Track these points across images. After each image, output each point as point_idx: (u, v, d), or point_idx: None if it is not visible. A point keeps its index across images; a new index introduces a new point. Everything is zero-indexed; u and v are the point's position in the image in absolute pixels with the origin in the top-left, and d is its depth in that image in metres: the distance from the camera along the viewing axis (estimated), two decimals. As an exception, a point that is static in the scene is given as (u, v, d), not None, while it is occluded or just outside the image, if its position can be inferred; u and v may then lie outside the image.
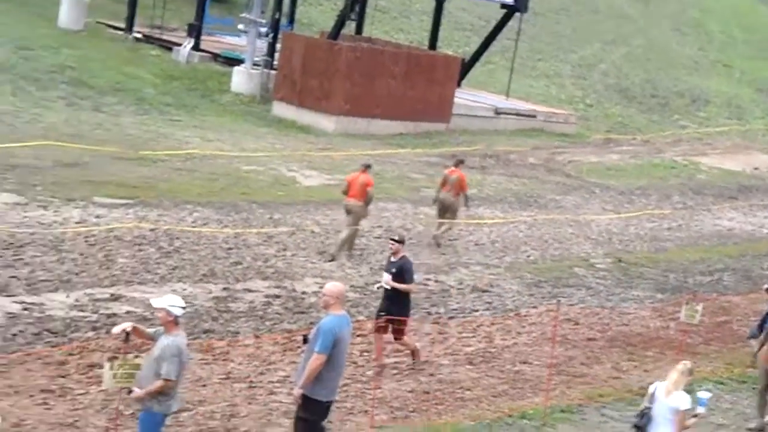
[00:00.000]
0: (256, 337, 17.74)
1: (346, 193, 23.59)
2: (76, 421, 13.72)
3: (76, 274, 19.34)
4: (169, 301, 11.94)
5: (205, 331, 17.70)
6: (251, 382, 15.93)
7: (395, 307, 16.97)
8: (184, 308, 12.04)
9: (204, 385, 15.47)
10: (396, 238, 17.40)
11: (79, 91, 36.08)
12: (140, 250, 21.26)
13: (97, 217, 23.05)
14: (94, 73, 38.44)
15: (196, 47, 43.63)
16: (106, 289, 18.88)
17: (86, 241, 21.17)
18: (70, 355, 15.59)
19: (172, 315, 11.83)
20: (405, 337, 17.31)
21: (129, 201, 24.63)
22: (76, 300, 18.13)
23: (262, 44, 41.92)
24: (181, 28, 46.15)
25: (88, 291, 18.62)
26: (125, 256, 20.74)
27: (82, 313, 17.62)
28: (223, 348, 16.72)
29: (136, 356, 11.99)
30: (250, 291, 20.13)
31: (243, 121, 37.53)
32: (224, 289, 19.94)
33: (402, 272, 16.98)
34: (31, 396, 14.23)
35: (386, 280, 17.04)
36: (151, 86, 38.89)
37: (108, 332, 16.41)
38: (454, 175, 25.65)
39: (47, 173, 25.55)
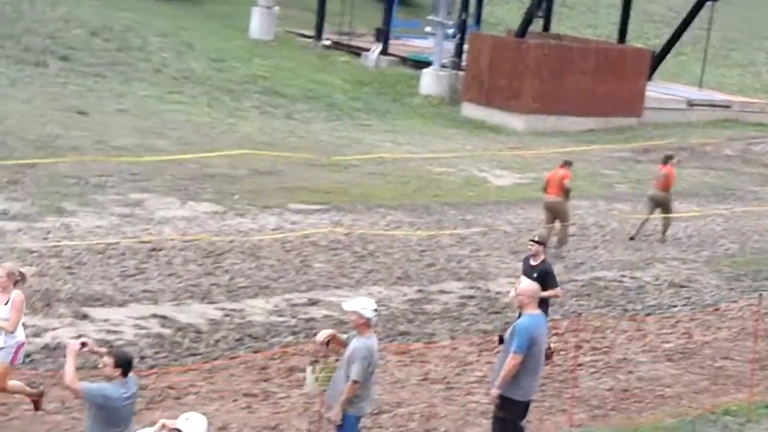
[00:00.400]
0: (452, 338, 17.75)
1: (545, 190, 23.48)
2: (279, 424, 13.97)
3: (274, 279, 19.71)
4: (360, 303, 12.06)
5: (401, 333, 17.80)
6: (448, 383, 15.94)
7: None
8: (375, 310, 12.13)
9: (402, 387, 15.56)
10: (536, 239, 16.36)
11: (271, 100, 36.84)
12: (335, 255, 21.53)
13: (293, 223, 23.46)
14: (285, 81, 39.19)
15: (384, 52, 44.02)
16: (304, 293, 19.18)
17: (283, 247, 21.57)
18: (272, 359, 15.89)
19: (364, 317, 11.94)
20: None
21: (323, 206, 25.00)
22: (275, 305, 18.48)
23: (450, 45, 42.00)
24: (369, 33, 46.64)
25: (287, 296, 18.95)
26: (321, 261, 21.05)
27: (281, 318, 17.95)
28: (419, 350, 16.78)
29: (337, 360, 12.13)
30: (444, 292, 20.16)
31: (433, 123, 37.67)
32: (419, 291, 20.02)
33: (544, 277, 15.73)
34: (235, 400, 14.55)
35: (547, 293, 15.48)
36: (342, 92, 39.42)
37: (307, 336, 16.68)
38: (663, 170, 25.23)
39: (243, 182, 26.14)
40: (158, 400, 14.09)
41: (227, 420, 13.86)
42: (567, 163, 23.55)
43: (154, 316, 17.39)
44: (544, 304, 15.22)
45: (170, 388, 14.50)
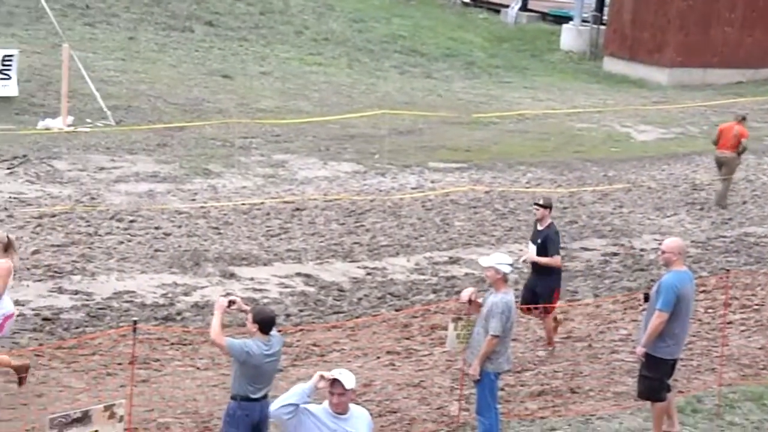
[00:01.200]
0: (596, 296, 17.61)
1: (716, 143, 23.12)
2: (422, 381, 14.08)
3: (415, 238, 19.80)
4: (496, 259, 12.13)
5: (544, 291, 17.71)
6: (592, 341, 15.84)
7: (541, 283, 15.12)
8: (511, 266, 12.16)
9: (544, 345, 15.50)
10: (541, 202, 15.32)
11: (410, 59, 36.84)
12: (476, 213, 21.52)
13: (433, 182, 23.50)
14: (424, 40, 39.14)
15: (524, 7, 43.62)
16: (445, 252, 19.23)
17: (423, 206, 21.64)
18: (414, 317, 16.00)
19: (501, 273, 12.00)
20: (548, 318, 15.15)
21: (463, 165, 24.97)
22: (417, 264, 18.57)
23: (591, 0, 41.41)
24: (508, -11, 46.23)
25: (427, 254, 19.03)
26: (461, 219, 21.06)
27: (422, 277, 18.04)
28: (562, 308, 16.70)
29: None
30: (586, 250, 19.99)
31: (573, 79, 37.24)
32: (561, 248, 19.87)
33: (546, 243, 14.97)
34: (378, 358, 14.70)
35: (530, 255, 15.17)
36: (480, 50, 39.21)
37: (448, 294, 16.74)
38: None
39: (384, 141, 26.26)
40: (303, 358, 14.33)
41: (370, 377, 14.02)
42: (742, 119, 23.17)
43: (298, 274, 17.65)
44: (554, 273, 15.07)
45: (314, 345, 14.72)
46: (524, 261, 15.64)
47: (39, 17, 31.89)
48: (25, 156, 22.13)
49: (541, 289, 15.05)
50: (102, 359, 13.89)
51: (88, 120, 25.68)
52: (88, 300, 16.01)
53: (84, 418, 9.62)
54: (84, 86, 26.10)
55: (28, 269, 16.80)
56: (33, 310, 15.48)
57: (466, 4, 45.29)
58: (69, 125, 24.95)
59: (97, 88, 26.31)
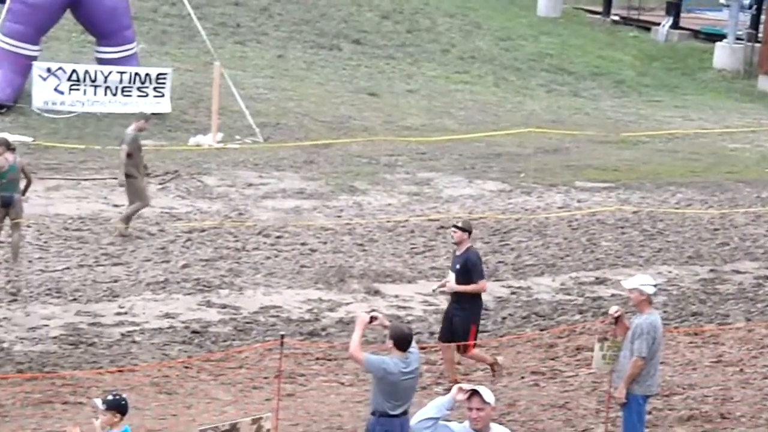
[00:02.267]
0: (748, 320, 17.17)
1: None
2: (567, 402, 13.89)
3: (561, 258, 19.60)
4: (640, 280, 11.98)
5: (693, 314, 17.36)
6: (744, 366, 15.43)
7: (459, 314, 13.94)
8: (655, 287, 11.98)
9: (694, 369, 15.17)
10: (459, 224, 14.12)
11: (558, 78, 36.57)
12: (623, 233, 21.20)
13: (579, 201, 23.24)
14: (572, 58, 38.83)
15: (675, 25, 42.94)
16: (591, 272, 18.98)
17: (569, 225, 21.41)
18: (559, 337, 15.81)
19: (645, 294, 11.84)
20: (475, 350, 14.07)
21: (610, 184, 24.64)
22: (562, 284, 18.37)
23: (745, 17, 40.54)
24: (659, 7, 45.56)
25: (573, 274, 18.80)
26: (608, 240, 20.76)
27: (568, 297, 17.83)
28: (712, 331, 16.33)
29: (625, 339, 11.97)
30: (738, 272, 19.51)
31: (726, 98, 36.48)
32: (711, 270, 19.45)
33: (467, 268, 13.85)
34: (522, 378, 14.57)
35: (450, 284, 13.98)
36: (630, 68, 38.71)
37: (594, 315, 16.51)
38: None
39: (529, 160, 26.08)
40: (446, 376, 14.26)
41: (514, 397, 13.90)
42: None
43: (442, 293, 17.57)
44: (472, 301, 13.96)
45: (458, 363, 14.63)
46: (437, 291, 14.90)
47: (191, 36, 32.59)
48: (176, 171, 22.61)
49: (458, 322, 13.88)
50: (248, 373, 14.06)
51: (237, 137, 26.11)
52: (235, 314, 16.24)
53: (232, 431, 9.73)
54: (234, 103, 26.56)
55: (177, 283, 17.12)
56: (183, 322, 15.76)
57: (615, 22, 44.79)
58: (219, 142, 25.41)
59: (247, 105, 26.75)
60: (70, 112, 26.05)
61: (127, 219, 19.07)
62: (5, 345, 14.61)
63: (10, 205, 17.40)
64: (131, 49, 27.58)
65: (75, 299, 16.37)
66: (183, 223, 19.78)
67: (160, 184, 22.06)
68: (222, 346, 15.03)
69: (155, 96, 26.61)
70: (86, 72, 26.17)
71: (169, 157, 23.73)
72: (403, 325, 11.34)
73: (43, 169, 22.12)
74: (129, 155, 18.86)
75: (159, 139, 25.21)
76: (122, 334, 15.30)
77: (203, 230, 19.62)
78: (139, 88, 26.43)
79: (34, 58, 26.27)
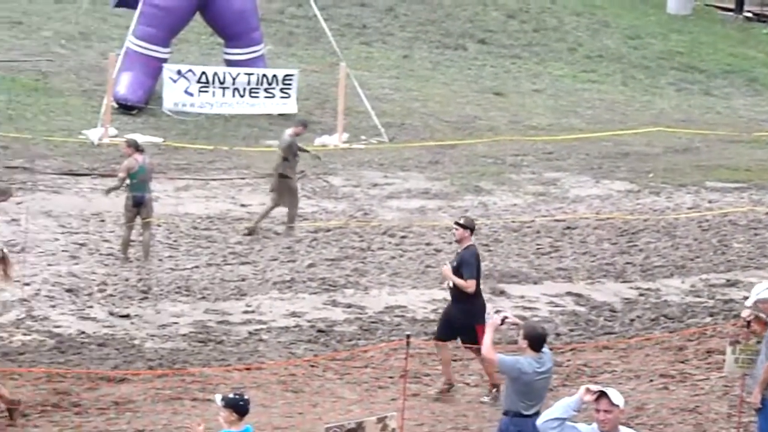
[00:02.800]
0: None
1: None
2: (697, 406, 13.63)
3: (691, 259, 19.24)
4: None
5: (829, 318, 16.87)
6: None
7: (460, 316, 13.47)
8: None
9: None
10: (461, 221, 13.80)
11: (688, 76, 35.93)
12: (756, 234, 20.73)
13: (710, 201, 22.79)
14: (703, 56, 38.11)
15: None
16: (722, 274, 18.60)
17: (699, 227, 21.01)
18: (689, 340, 15.52)
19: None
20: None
21: (742, 185, 24.13)
22: (692, 285, 18.04)
23: None
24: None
25: (704, 276, 18.45)
26: (740, 241, 20.33)
27: (698, 299, 17.50)
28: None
29: (758, 341, 11.67)
30: None
31: None
32: None
33: (461, 266, 13.38)
34: (651, 381, 14.34)
35: (445, 269, 13.70)
36: (763, 66, 37.82)
37: (726, 318, 16.20)
38: None
39: (658, 159, 25.67)
40: (573, 377, 14.11)
41: (643, 400, 13.68)
42: None
43: (569, 293, 17.44)
44: (470, 300, 13.42)
45: (585, 365, 14.49)
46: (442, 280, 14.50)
47: (318, 37, 32.81)
48: (302, 172, 22.78)
49: (460, 324, 13.38)
50: (374, 372, 14.10)
51: (363, 137, 26.22)
52: (360, 313, 16.30)
53: (358, 429, 9.75)
54: (359, 104, 26.67)
55: (303, 282, 17.26)
56: (309, 321, 15.88)
57: (748, 19, 43.84)
58: (344, 142, 25.55)
59: (372, 106, 26.84)
60: (199, 114, 26.43)
61: (291, 219, 19.30)
62: (137, 342, 14.89)
63: (141, 204, 17.73)
64: (259, 50, 27.89)
65: (204, 297, 16.61)
66: (309, 222, 19.92)
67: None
68: (347, 345, 15.10)
69: (282, 97, 26.87)
70: (215, 74, 26.53)
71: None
72: (537, 325, 11.21)
73: (172, 170, 22.51)
74: (285, 159, 19.19)
75: (286, 139, 25.42)
76: (249, 333, 15.46)
77: (329, 230, 19.73)
78: (266, 90, 26.71)
79: (165, 61, 26.71)
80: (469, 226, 13.59)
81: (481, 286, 13.79)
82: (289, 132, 19.76)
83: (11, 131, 23.77)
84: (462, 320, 13.37)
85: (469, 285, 13.31)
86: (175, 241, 18.87)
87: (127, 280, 17.04)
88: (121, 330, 15.25)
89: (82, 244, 18.32)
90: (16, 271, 13.59)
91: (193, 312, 16.07)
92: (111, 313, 15.81)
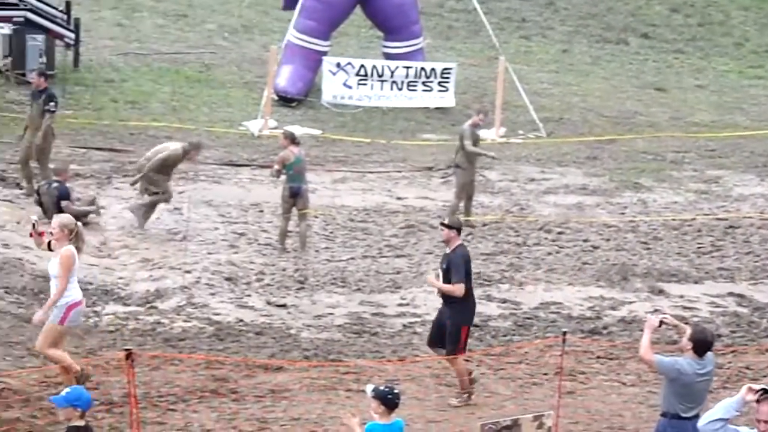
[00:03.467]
0: None
1: None
2: None
3: None
4: None
5: None
6: None
7: (450, 316, 13.00)
8: None
9: None
10: (445, 221, 13.40)
11: None
12: None
13: None
14: None
15: None
16: None
17: None
18: None
19: None
20: (457, 361, 13.00)
21: None
22: None
23: None
24: None
25: None
26: None
27: None
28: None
29: None
30: None
31: None
32: None
33: (449, 268, 12.93)
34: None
35: (429, 277, 13.60)
36: None
37: None
38: None
39: None
40: (734, 380, 13.74)
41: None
42: None
43: (731, 294, 17.02)
44: (460, 304, 12.92)
45: (747, 368, 14.12)
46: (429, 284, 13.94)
47: (477, 31, 32.72)
48: (458, 166, 22.68)
49: (450, 324, 12.97)
50: (528, 368, 13.97)
51: (520, 131, 26.03)
52: (515, 309, 16.18)
53: (513, 427, 9.68)
54: (517, 98, 26.48)
55: (459, 276, 17.20)
56: (463, 316, 15.81)
57: None
58: (501, 136, 25.40)
59: (530, 100, 26.62)
60: (357, 107, 26.59)
61: (453, 210, 19.36)
62: (293, 331, 15.04)
63: (297, 195, 17.91)
64: (418, 44, 27.92)
65: (359, 289, 16.69)
66: (464, 216, 19.83)
67: (443, 177, 22.24)
68: (502, 341, 15.00)
69: (440, 90, 26.84)
70: (374, 67, 26.65)
71: (453, 151, 23.85)
72: (707, 331, 10.72)
73: (330, 162, 22.69)
74: (463, 148, 19.20)
75: (442, 133, 25.41)
76: (404, 325, 15.49)
77: (484, 224, 19.64)
78: (424, 83, 26.71)
79: (325, 54, 26.94)
80: (456, 226, 13.19)
81: (474, 288, 13.37)
82: (468, 122, 19.75)
83: (175, 122, 24.29)
84: (451, 322, 12.93)
85: (456, 289, 12.84)
86: (331, 232, 19.01)
87: (284, 270, 17.23)
88: (278, 319, 15.43)
89: (241, 234, 18.59)
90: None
91: (348, 303, 16.17)
92: (268, 302, 16.01)
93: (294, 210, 18.01)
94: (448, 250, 13.10)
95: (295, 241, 18.17)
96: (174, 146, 18.60)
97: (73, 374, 11.96)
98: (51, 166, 18.79)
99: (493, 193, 21.57)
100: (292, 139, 18.13)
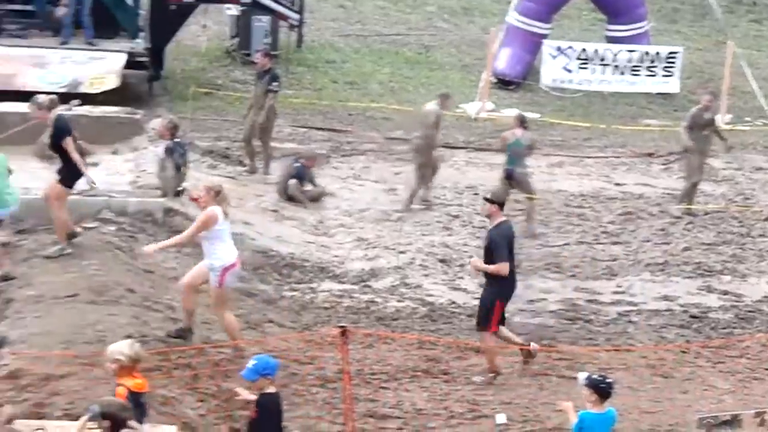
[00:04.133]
0: None
1: None
2: None
3: None
4: None
5: None
6: None
7: (485, 289, 12.87)
8: None
9: None
10: (488, 196, 12.92)
11: None
12: None
13: None
14: None
15: None
16: None
17: None
18: None
19: None
20: (486, 336, 12.74)
21: None
22: None
23: None
24: None
25: None
26: None
27: None
28: None
29: None
30: None
31: None
32: None
33: (490, 247, 12.66)
34: None
35: (474, 260, 13.23)
36: None
37: None
38: None
39: None
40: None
41: None
42: None
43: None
44: (495, 281, 12.67)
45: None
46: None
47: (704, 14, 31.81)
48: (685, 152, 22.13)
49: (483, 297, 12.89)
50: (749, 363, 13.53)
51: (747, 118, 25.17)
52: (737, 301, 15.68)
53: (733, 422, 9.35)
54: (745, 84, 25.62)
55: (677, 265, 16.78)
56: (681, 306, 15.44)
57: None
58: (727, 123, 24.60)
59: (760, 86, 25.71)
60: (577, 91, 26.21)
61: (686, 196, 18.96)
62: (505, 315, 14.90)
63: (511, 177, 17.80)
64: (642, 27, 27.30)
65: (573, 275, 16.46)
66: (684, 205, 19.30)
67: (664, 164, 21.71)
68: (722, 333, 14.55)
69: (664, 75, 26.17)
70: (595, 50, 26.19)
71: (674, 137, 23.26)
72: None
73: (547, 146, 22.40)
74: (690, 129, 18.89)
75: (664, 119, 24.80)
76: (619, 314, 15.19)
77: (706, 213, 19.07)
78: (647, 68, 26.09)
79: (545, 36, 26.64)
80: (498, 201, 12.89)
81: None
82: (698, 105, 19.27)
83: (393, 103, 24.42)
84: (486, 293, 12.87)
85: (500, 269, 12.62)
86: (546, 217, 18.78)
87: (497, 253, 17.10)
88: (490, 302, 15.33)
89: (455, 216, 18.56)
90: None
91: (562, 289, 15.97)
92: (481, 286, 15.88)
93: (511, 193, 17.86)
94: (490, 226, 12.95)
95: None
96: (428, 107, 18.96)
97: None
98: (298, 150, 19.21)
99: (717, 181, 20.92)
100: (521, 122, 18.11)
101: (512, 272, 12.85)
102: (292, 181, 18.38)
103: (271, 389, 9.25)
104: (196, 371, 11.61)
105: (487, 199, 12.96)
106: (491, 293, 12.79)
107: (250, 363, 9.26)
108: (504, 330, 12.93)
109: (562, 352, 13.51)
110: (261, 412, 9.23)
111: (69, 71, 21.25)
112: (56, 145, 13.90)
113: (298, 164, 18.68)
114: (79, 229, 14.22)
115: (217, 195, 12.17)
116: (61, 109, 14.54)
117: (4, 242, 14.12)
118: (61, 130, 13.93)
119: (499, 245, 12.64)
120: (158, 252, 12.89)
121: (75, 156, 13.84)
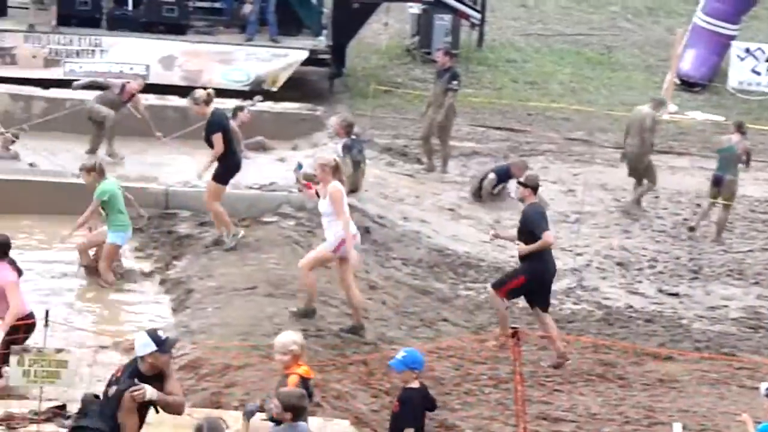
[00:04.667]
0: None
1: None
2: None
3: None
4: None
5: None
6: None
7: (521, 263, 12.95)
8: None
9: None
10: (522, 180, 13.08)
11: None
12: None
13: None
14: None
15: None
16: None
17: None
18: None
19: None
20: (497, 297, 12.81)
21: None
22: None
23: None
24: None
25: None
26: None
27: None
28: None
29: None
30: None
31: None
32: None
33: (526, 226, 12.75)
34: None
35: (521, 246, 12.85)
36: None
37: None
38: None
39: None
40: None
41: None
42: None
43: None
44: (531, 259, 12.72)
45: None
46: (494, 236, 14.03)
47: None
48: None
49: (519, 267, 13.10)
50: None
51: None
52: None
53: None
54: None
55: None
56: None
57: None
58: None
59: None
60: (765, 93, 25.53)
61: None
62: (684, 321, 14.60)
63: (720, 183, 17.50)
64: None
65: (756, 282, 16.03)
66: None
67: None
68: None
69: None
70: (785, 53, 25.51)
71: None
72: None
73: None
74: None
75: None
76: (803, 324, 14.69)
77: None
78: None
79: (732, 38, 26.02)
80: (531, 185, 12.98)
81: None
82: None
83: (573, 103, 24.16)
84: (520, 265, 13.06)
85: (546, 238, 12.72)
86: (730, 222, 18.28)
87: (677, 258, 16.77)
88: (669, 308, 15.02)
89: (634, 219, 18.24)
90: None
91: (744, 297, 15.55)
92: (660, 290, 15.63)
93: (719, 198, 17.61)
94: (522, 207, 13.11)
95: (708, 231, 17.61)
96: (642, 110, 18.63)
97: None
98: (510, 160, 19.02)
99: None
100: (738, 127, 18.03)
101: (547, 253, 12.93)
102: (491, 175, 18.15)
103: (415, 384, 9.27)
104: (370, 368, 11.68)
105: (521, 183, 13.23)
106: (521, 267, 13.06)
107: (400, 354, 9.32)
108: (545, 317, 12.90)
109: (744, 361, 13.12)
110: (403, 406, 9.25)
111: (252, 68, 21.69)
112: (208, 140, 14.20)
113: (504, 166, 18.46)
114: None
115: (333, 170, 12.27)
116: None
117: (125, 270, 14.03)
118: (213, 126, 14.23)
119: (535, 219, 12.85)
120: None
121: (215, 151, 14.05)
